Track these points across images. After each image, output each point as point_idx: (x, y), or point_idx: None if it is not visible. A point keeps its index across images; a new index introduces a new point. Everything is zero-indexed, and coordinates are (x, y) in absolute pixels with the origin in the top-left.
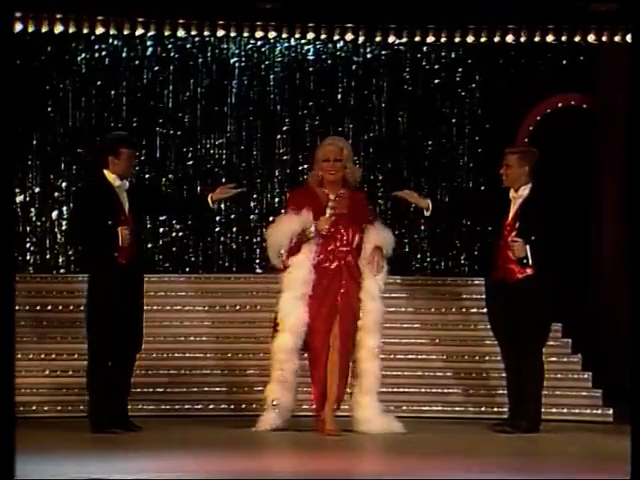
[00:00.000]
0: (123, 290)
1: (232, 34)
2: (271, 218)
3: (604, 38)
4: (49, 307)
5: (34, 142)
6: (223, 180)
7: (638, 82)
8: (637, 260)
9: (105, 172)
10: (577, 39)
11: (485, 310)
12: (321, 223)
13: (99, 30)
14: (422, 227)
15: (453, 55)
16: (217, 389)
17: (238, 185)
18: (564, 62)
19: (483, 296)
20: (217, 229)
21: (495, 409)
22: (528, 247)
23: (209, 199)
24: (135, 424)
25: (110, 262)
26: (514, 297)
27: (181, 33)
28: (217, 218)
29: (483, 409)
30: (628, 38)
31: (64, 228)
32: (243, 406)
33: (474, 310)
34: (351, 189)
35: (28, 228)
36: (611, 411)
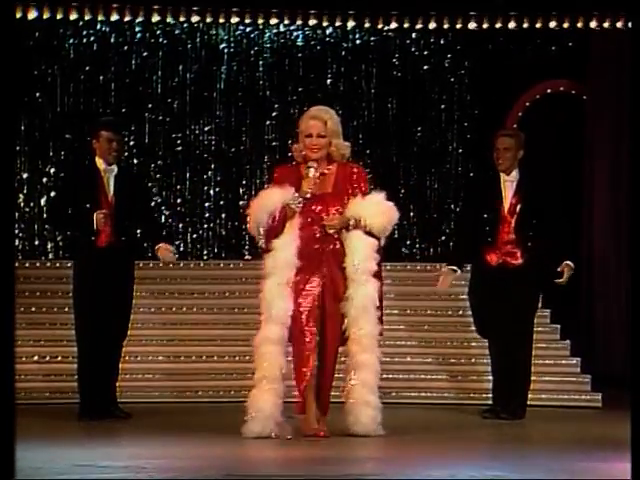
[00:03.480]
0: (105, 274)
1: (221, 20)
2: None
3: (593, 24)
4: (38, 293)
5: (22, 128)
6: (212, 164)
7: (638, 78)
8: (637, 258)
9: (96, 157)
10: (566, 25)
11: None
12: (303, 186)
13: (87, 16)
14: (411, 213)
15: (442, 41)
16: (205, 376)
17: (175, 253)
18: (553, 48)
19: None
20: (206, 215)
21: (484, 395)
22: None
23: (155, 248)
24: (124, 411)
25: (88, 246)
26: (514, 281)
27: (170, 19)
28: (206, 205)
29: (472, 395)
30: (618, 24)
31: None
32: (232, 393)
33: (463, 296)
34: (340, 164)
35: (16, 214)
36: (599, 396)
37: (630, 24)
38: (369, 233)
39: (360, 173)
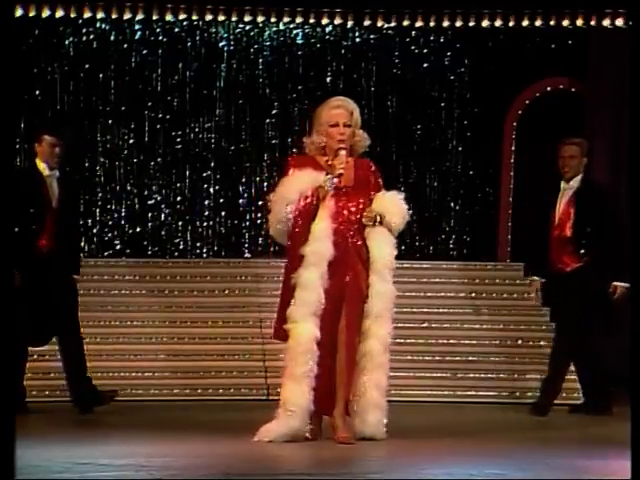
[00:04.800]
0: (45, 281)
1: (220, 18)
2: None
3: (592, 22)
4: None
5: (22, 125)
6: (212, 162)
7: (638, 74)
8: (637, 258)
9: (37, 161)
10: (565, 23)
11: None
12: (335, 165)
13: (87, 14)
14: (410, 211)
15: (442, 39)
16: (205, 374)
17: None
18: (553, 46)
19: (473, 280)
20: (206, 213)
21: (472, 392)
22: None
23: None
24: (107, 393)
25: (28, 251)
26: (564, 287)
27: (169, 17)
28: (206, 203)
29: (468, 393)
30: (617, 22)
31: None
32: (231, 390)
33: (462, 294)
34: (355, 158)
35: None
36: None
37: (630, 22)
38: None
39: (375, 170)
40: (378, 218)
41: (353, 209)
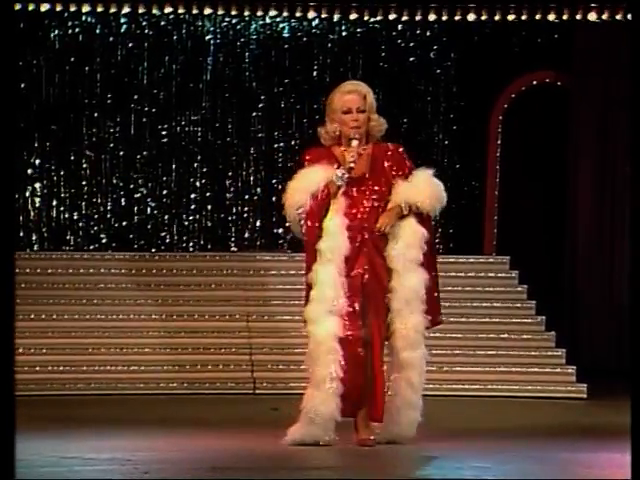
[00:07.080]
0: None
1: (207, 11)
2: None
3: (578, 16)
4: (23, 285)
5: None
6: (198, 156)
7: (638, 73)
8: (637, 255)
9: None
10: (551, 17)
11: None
12: (346, 158)
13: (73, 7)
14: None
15: (428, 33)
16: (191, 367)
17: None
18: (539, 40)
19: (458, 273)
20: (192, 207)
21: (473, 386)
22: None
23: None
24: None
25: None
26: None
27: (155, 10)
28: (192, 196)
29: (449, 386)
30: (603, 16)
31: (37, 205)
32: (217, 384)
33: (448, 288)
34: (375, 143)
35: None
36: (585, 387)
37: (629, 17)
38: (419, 215)
39: (397, 151)
40: (406, 209)
41: (375, 196)
